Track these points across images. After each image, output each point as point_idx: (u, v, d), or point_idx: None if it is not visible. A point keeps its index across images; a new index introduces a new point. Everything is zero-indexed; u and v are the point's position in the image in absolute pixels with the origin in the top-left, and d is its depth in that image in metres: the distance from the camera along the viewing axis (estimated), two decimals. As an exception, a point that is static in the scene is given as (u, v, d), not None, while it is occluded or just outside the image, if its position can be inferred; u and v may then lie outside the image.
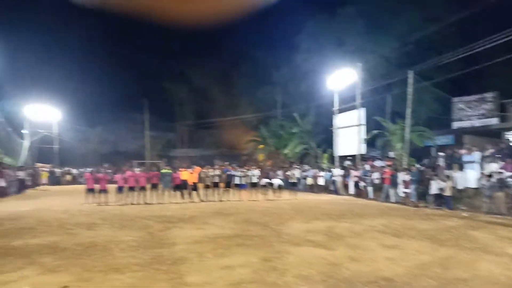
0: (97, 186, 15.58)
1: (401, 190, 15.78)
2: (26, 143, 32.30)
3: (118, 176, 16.41)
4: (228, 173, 18.07)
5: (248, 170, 18.65)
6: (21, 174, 23.27)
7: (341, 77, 23.89)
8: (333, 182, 21.03)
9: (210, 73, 43.51)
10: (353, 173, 19.56)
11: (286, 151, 28.82)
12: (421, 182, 15.34)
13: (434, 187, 14.32)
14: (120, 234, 8.73)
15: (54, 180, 32.40)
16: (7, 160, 25.93)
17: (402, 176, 15.80)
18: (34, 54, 40.93)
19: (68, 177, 33.56)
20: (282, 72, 35.23)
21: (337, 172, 20.90)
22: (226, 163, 21.78)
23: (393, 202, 16.00)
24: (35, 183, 27.56)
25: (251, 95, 40.29)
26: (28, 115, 33.40)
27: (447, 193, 13.88)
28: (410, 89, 19.01)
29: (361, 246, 7.39)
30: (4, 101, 28.68)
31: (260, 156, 34.10)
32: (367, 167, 19.48)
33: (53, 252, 6.89)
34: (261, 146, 33.41)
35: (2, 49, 24.34)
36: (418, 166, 17.34)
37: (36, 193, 22.64)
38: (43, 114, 35.35)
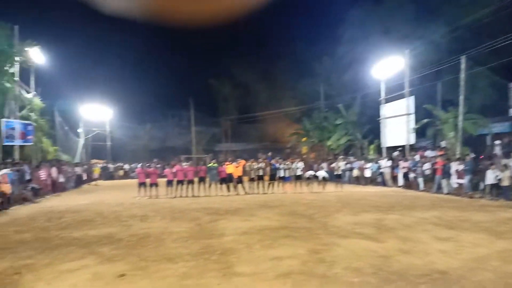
0: (148, 180, 16.24)
1: (454, 180, 15.09)
2: (81, 141, 34.22)
3: (167, 171, 17.01)
4: (271, 161, 18.16)
5: (292, 162, 18.61)
6: (77, 170, 24.68)
7: (388, 66, 23.15)
8: (381, 173, 20.50)
9: (252, 68, 43.73)
10: (402, 164, 18.95)
11: (330, 142, 28.42)
12: (476, 172, 14.58)
13: (491, 177, 13.57)
14: (171, 225, 9.05)
15: (108, 175, 34.09)
16: (64, 157, 27.60)
17: (455, 166, 15.09)
18: (88, 58, 43.33)
19: (121, 172, 35.15)
20: (324, 63, 34.69)
21: (385, 163, 20.34)
22: (268, 153, 21.71)
23: (445, 194, 15.35)
24: (90, 178, 29.12)
25: (294, 88, 40.08)
26: (83, 114, 35.37)
27: (505, 183, 13.10)
28: (463, 75, 18.05)
29: (413, 238, 7.17)
30: (62, 102, 30.52)
31: (304, 149, 33.88)
32: (417, 157, 18.79)
33: (110, 243, 7.27)
34: (304, 138, 33.17)
35: (61, 55, 26.01)
36: (472, 155, 16.47)
37: (92, 188, 23.94)
38: (97, 113, 37.27)
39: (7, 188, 13.32)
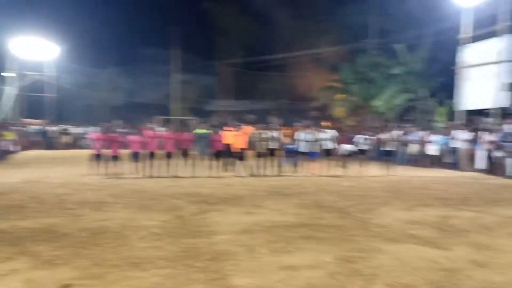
0: (107, 151, 16.42)
1: None
2: (10, 91, 34.42)
3: (134, 138, 17.11)
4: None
5: (320, 131, 18.60)
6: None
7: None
8: (453, 151, 20.46)
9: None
10: (486, 137, 18.87)
11: (379, 102, 28.25)
12: None
13: None
14: (139, 217, 9.23)
15: (48, 142, 34.43)
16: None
17: None
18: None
19: (66, 139, 35.40)
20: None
21: (461, 135, 20.23)
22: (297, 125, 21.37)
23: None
24: (23, 145, 29.27)
25: (330, 20, 39.51)
26: (14, 52, 35.33)
27: None
28: None
29: (492, 245, 7.25)
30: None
31: (339, 111, 33.79)
32: (508, 128, 18.66)
33: (50, 239, 7.43)
34: (341, 95, 32.98)
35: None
36: None
37: (24, 160, 24.16)
38: (35, 50, 37.17)
39: None
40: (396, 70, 27.91)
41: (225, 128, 18.67)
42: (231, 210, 10.10)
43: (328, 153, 18.05)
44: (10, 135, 24.98)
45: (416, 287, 5.42)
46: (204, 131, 17.91)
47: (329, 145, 18.09)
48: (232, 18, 45.80)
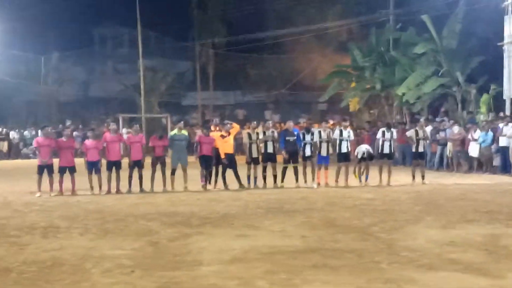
0: (56, 161, 16.29)
1: None
2: None
3: (91, 143, 16.99)
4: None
5: (329, 130, 18.59)
6: None
7: None
8: (500, 151, 20.49)
9: None
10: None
11: (403, 90, 28.23)
12: None
13: None
14: (101, 245, 9.18)
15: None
16: None
17: None
18: None
19: (3, 146, 35.11)
20: None
21: (510, 131, 20.26)
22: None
23: None
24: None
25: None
26: None
27: None
28: None
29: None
30: None
31: (353, 103, 33.82)
32: None
33: (-13, 276, 7.37)
34: (353, 84, 32.99)
35: None
36: None
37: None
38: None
39: None
40: (423, 49, 27.79)
41: (207, 128, 18.63)
42: (219, 233, 10.08)
43: (341, 157, 17.96)
44: None
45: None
46: (181, 132, 17.78)
47: (343, 147, 17.98)
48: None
